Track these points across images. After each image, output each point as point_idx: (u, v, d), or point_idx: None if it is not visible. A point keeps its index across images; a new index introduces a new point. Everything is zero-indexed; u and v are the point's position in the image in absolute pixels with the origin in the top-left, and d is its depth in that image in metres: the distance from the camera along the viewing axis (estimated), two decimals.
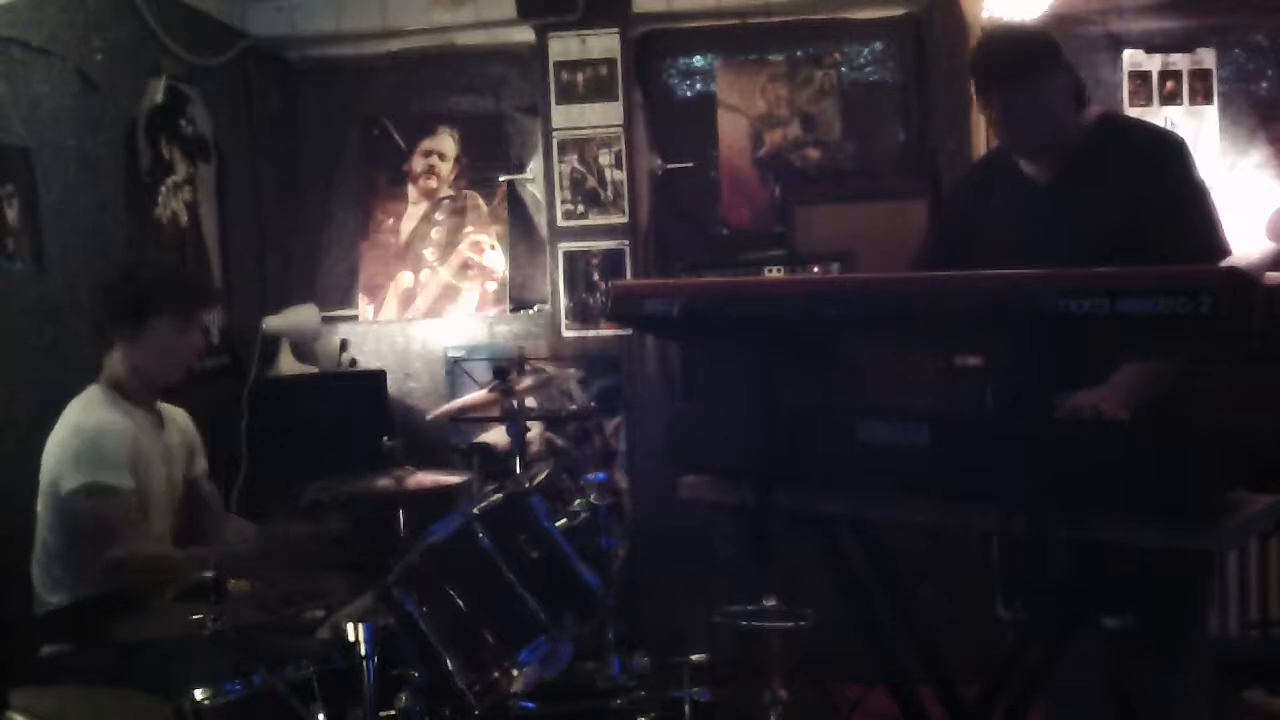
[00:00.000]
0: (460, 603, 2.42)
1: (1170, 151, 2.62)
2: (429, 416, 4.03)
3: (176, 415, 3.04)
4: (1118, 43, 4.48)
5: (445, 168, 4.78)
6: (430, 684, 2.41)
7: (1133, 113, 4.34)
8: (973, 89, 2.73)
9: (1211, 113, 4.43)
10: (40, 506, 2.76)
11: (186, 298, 2.93)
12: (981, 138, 4.35)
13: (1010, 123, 2.65)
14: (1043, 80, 2.59)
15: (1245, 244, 4.12)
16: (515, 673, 2.46)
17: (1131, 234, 2.46)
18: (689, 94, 4.77)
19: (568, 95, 4.44)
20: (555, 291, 4.51)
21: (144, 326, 2.81)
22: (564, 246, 4.48)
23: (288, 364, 4.52)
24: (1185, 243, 2.49)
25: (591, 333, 4.48)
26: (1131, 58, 4.45)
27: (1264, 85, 4.50)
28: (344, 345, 4.69)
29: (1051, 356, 1.93)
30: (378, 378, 4.52)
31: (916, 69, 4.61)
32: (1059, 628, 2.12)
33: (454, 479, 3.47)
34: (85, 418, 2.75)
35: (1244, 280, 1.63)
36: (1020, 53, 2.63)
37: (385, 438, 3.31)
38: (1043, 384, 1.94)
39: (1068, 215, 2.60)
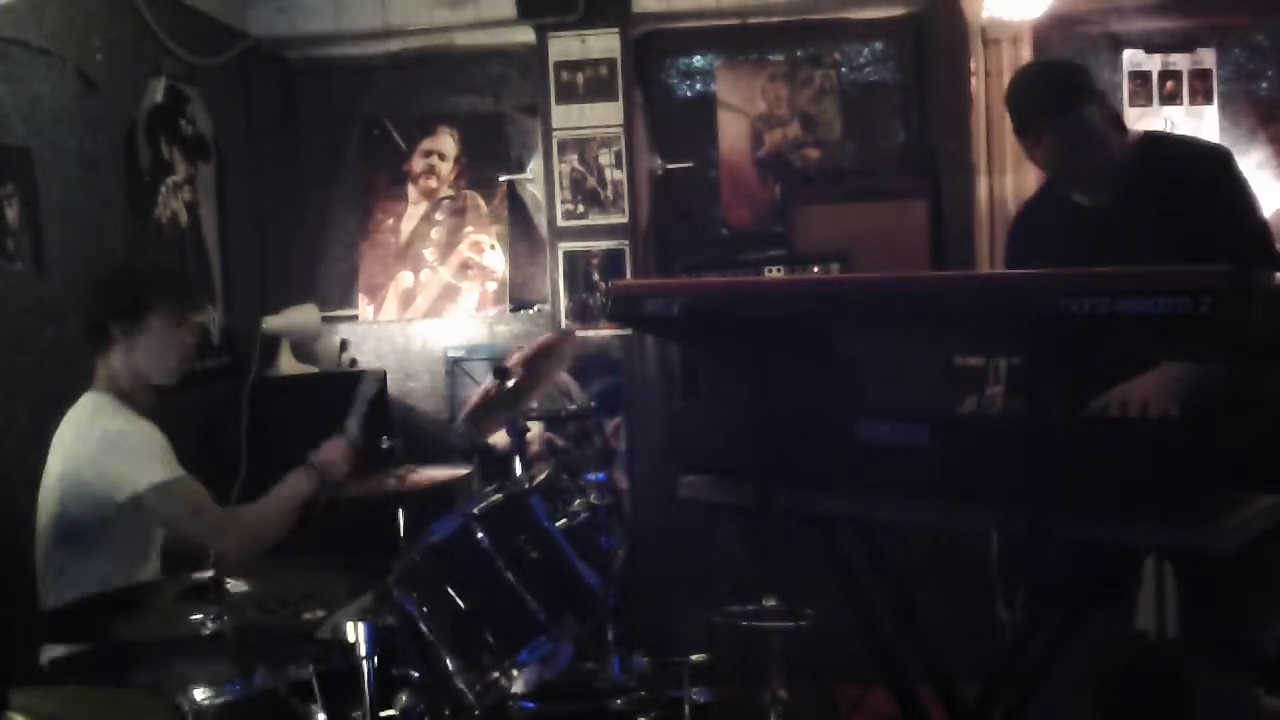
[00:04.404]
0: (460, 603, 2.42)
1: (1217, 166, 2.63)
2: (459, 428, 3.98)
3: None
4: (1118, 43, 4.48)
5: (445, 168, 4.78)
6: (430, 684, 2.41)
7: (1132, 113, 4.35)
8: (1014, 132, 2.74)
9: (1211, 113, 4.43)
10: (55, 503, 2.74)
11: (182, 294, 2.98)
12: (981, 138, 4.36)
13: (1062, 156, 2.66)
14: (1084, 109, 2.60)
15: None
16: (515, 673, 2.46)
17: (1186, 253, 2.46)
18: (689, 94, 4.77)
19: (568, 95, 4.44)
20: (555, 291, 4.51)
21: (142, 324, 2.83)
22: (564, 246, 4.48)
23: (288, 364, 4.51)
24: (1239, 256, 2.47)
25: (591, 333, 4.47)
26: (1131, 58, 4.45)
27: (1264, 85, 4.50)
28: (344, 345, 4.69)
29: (1053, 356, 1.94)
30: (378, 378, 4.52)
31: (916, 69, 4.61)
32: (1058, 628, 2.12)
33: (454, 473, 3.47)
34: (110, 421, 2.76)
35: (1244, 280, 1.63)
36: (1059, 86, 2.64)
37: (385, 438, 3.30)
38: (1045, 384, 1.95)
39: (1123, 239, 2.59)
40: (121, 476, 2.69)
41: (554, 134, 4.45)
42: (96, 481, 2.69)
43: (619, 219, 4.44)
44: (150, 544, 2.84)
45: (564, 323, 4.48)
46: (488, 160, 4.76)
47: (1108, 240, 2.63)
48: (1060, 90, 2.63)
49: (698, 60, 4.76)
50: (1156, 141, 2.75)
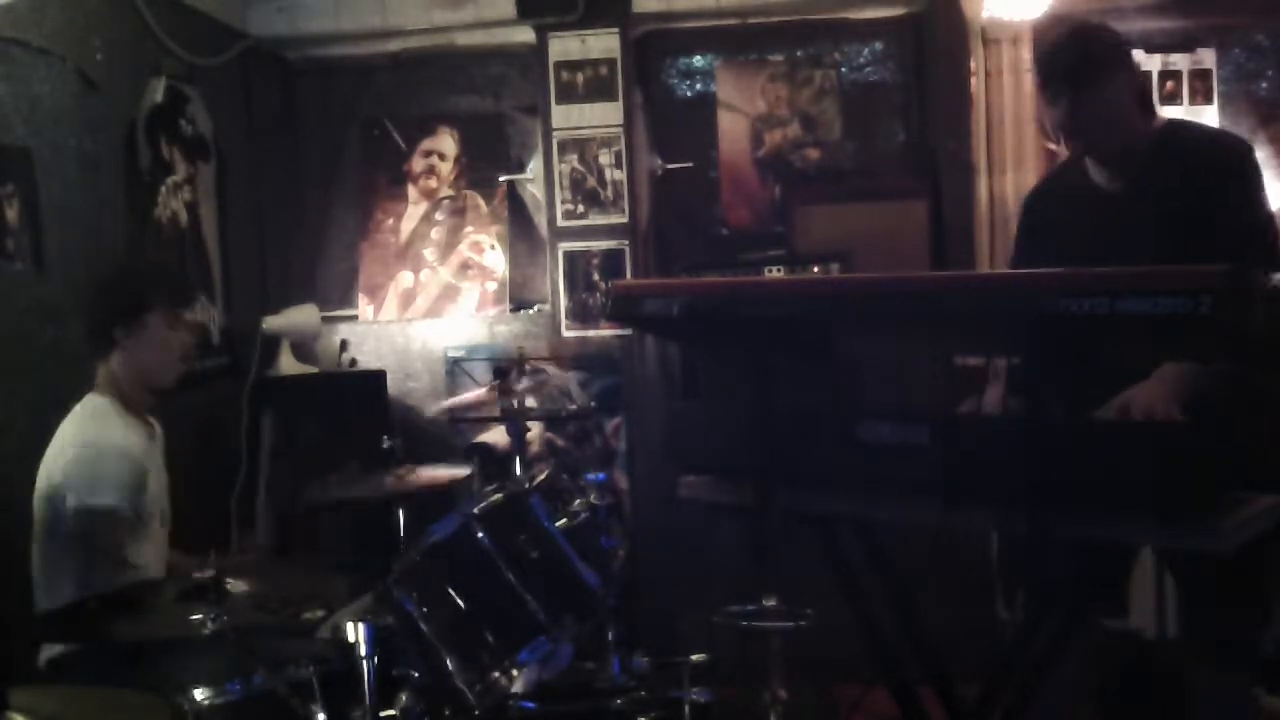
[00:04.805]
0: (460, 603, 2.42)
1: (1233, 160, 2.60)
2: (429, 413, 4.02)
3: (157, 424, 3.06)
4: None
5: (445, 168, 4.78)
6: (430, 684, 2.41)
7: None
8: (1038, 87, 2.71)
9: (1211, 113, 4.42)
10: (39, 509, 2.77)
11: (179, 292, 3.01)
12: (981, 138, 4.36)
13: (1077, 126, 2.62)
14: (1111, 83, 2.57)
15: None
16: (515, 673, 2.46)
17: (1195, 243, 2.45)
18: (689, 94, 4.77)
19: (568, 95, 4.44)
20: (555, 291, 4.51)
21: (142, 324, 2.85)
22: (564, 246, 4.48)
23: (288, 364, 4.51)
24: (1244, 252, 2.45)
25: (591, 333, 4.47)
26: None
27: (1264, 85, 4.50)
28: (344, 345, 4.69)
29: (1053, 356, 1.94)
30: (378, 378, 4.52)
31: (916, 69, 4.61)
32: (1058, 627, 2.12)
33: (455, 472, 3.48)
34: (89, 432, 2.78)
35: (1244, 280, 1.63)
36: (1090, 55, 2.60)
37: (385, 438, 3.30)
38: (1045, 384, 1.94)
39: (1136, 224, 2.58)
40: (71, 487, 2.71)
41: (554, 134, 4.45)
42: (63, 487, 2.71)
43: (619, 219, 4.44)
44: (143, 550, 2.83)
45: (563, 324, 4.48)
46: (488, 160, 4.76)
47: (1117, 226, 2.61)
48: (1081, 64, 2.58)
49: (698, 60, 4.76)
50: (1177, 130, 2.72)
